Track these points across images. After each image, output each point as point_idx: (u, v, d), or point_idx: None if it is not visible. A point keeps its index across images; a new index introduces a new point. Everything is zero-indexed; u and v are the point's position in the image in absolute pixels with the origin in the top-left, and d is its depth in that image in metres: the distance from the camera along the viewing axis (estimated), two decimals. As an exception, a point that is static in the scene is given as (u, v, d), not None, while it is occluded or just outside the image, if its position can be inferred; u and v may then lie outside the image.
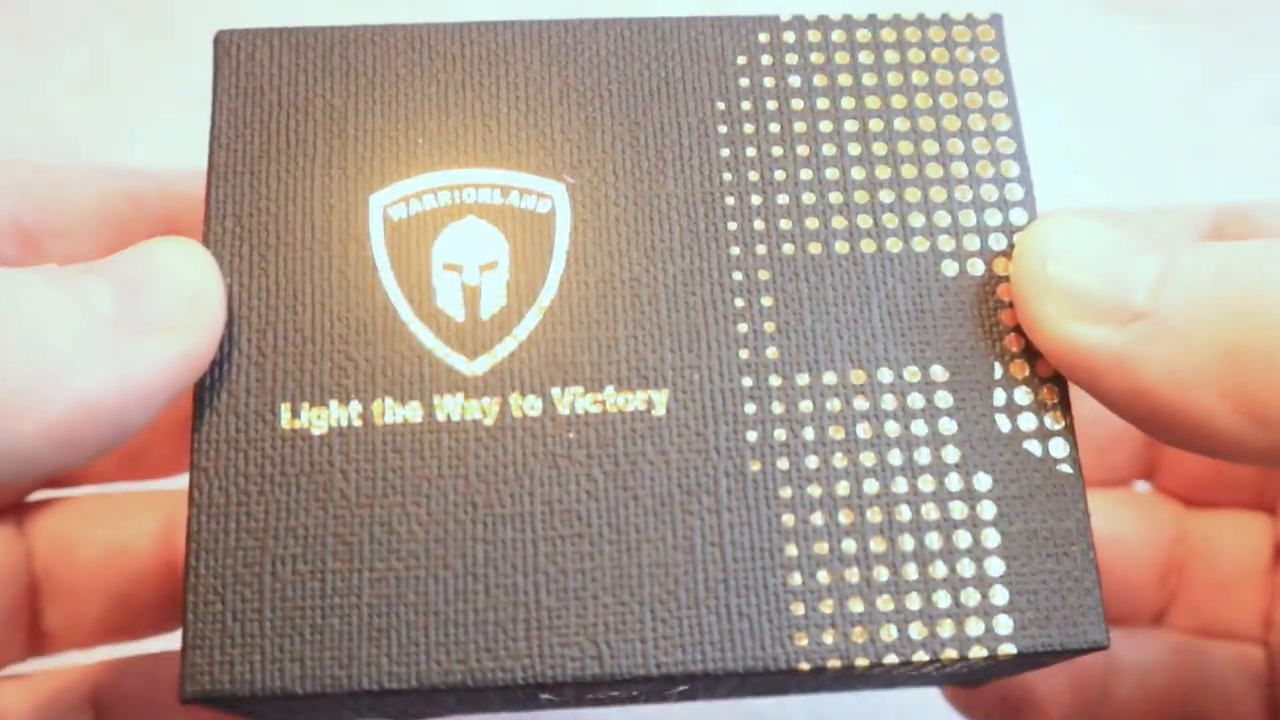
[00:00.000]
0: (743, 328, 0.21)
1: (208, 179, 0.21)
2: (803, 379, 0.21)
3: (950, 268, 0.21)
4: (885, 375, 0.21)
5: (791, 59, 0.23)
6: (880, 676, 0.22)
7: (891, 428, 0.20)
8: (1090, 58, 0.44)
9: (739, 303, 0.21)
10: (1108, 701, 0.27)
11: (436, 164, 0.22)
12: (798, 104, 0.22)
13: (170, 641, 0.26)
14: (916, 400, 0.21)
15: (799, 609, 0.19)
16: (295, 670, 0.19)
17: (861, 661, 0.19)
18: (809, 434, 0.20)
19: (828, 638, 0.19)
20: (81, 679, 0.25)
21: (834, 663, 0.19)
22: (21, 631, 0.25)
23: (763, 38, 0.23)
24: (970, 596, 0.20)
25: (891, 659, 0.19)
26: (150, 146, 0.42)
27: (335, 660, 0.19)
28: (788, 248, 0.21)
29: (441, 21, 0.23)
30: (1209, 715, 0.27)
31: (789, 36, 0.23)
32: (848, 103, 0.22)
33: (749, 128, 0.22)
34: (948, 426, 0.20)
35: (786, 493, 0.20)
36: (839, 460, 0.20)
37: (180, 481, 0.27)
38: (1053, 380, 0.21)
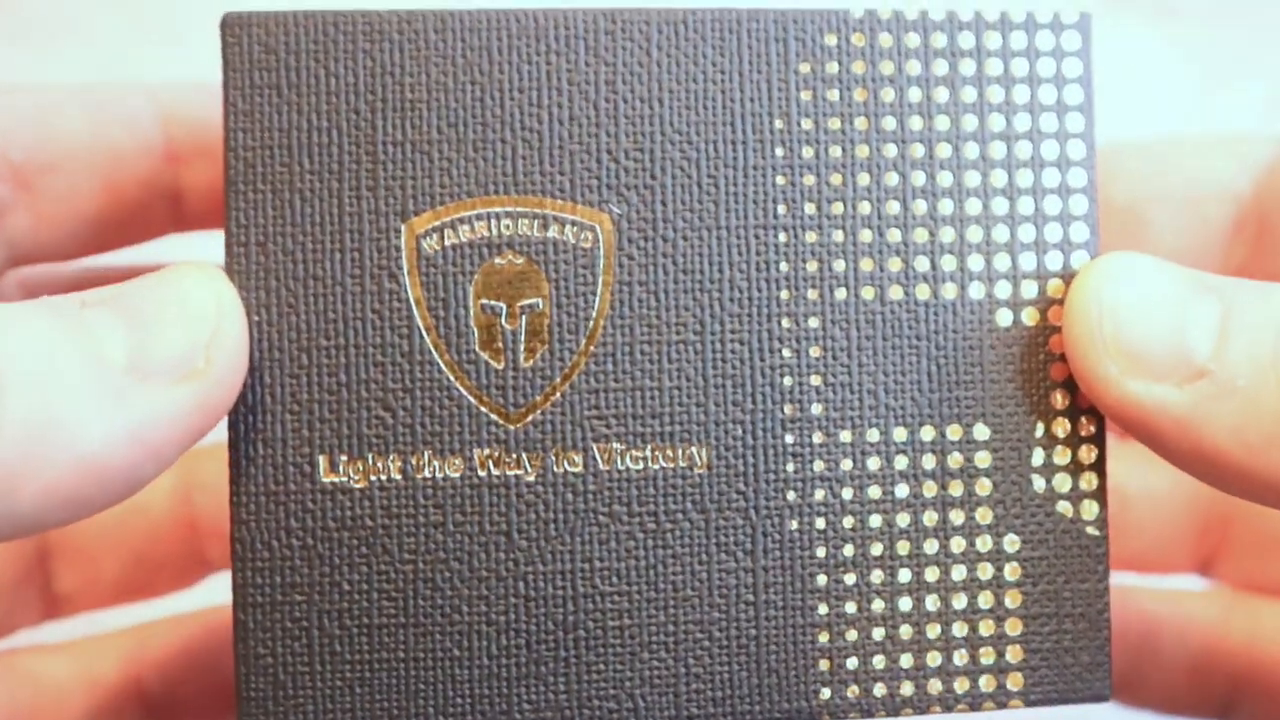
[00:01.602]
0: (788, 381, 0.20)
1: (225, 194, 0.20)
2: (846, 436, 0.20)
3: (1005, 317, 0.21)
4: (928, 434, 0.21)
5: (858, 68, 0.21)
6: None
7: (929, 489, 0.21)
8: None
9: (786, 353, 0.20)
10: (1151, 662, 0.28)
11: (472, 188, 0.20)
12: (861, 124, 0.21)
13: (189, 599, 0.27)
14: (956, 460, 0.21)
15: (825, 665, 0.20)
16: None
17: (880, 715, 0.20)
18: (847, 494, 0.20)
19: (850, 693, 0.20)
20: (126, 645, 0.25)
21: (854, 717, 0.20)
22: (34, 595, 0.25)
23: (829, 40, 0.21)
24: (988, 655, 0.21)
25: (908, 712, 0.21)
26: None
27: (385, 713, 0.20)
28: (840, 293, 0.20)
29: (476, 8, 0.20)
30: (1263, 674, 0.27)
31: (858, 40, 0.21)
32: (915, 124, 0.21)
33: (808, 152, 0.20)
34: (984, 487, 0.21)
35: (821, 553, 0.20)
36: (875, 521, 0.21)
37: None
38: (1091, 440, 0.21)
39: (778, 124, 0.20)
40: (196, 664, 0.25)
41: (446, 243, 0.20)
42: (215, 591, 0.26)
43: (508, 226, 0.20)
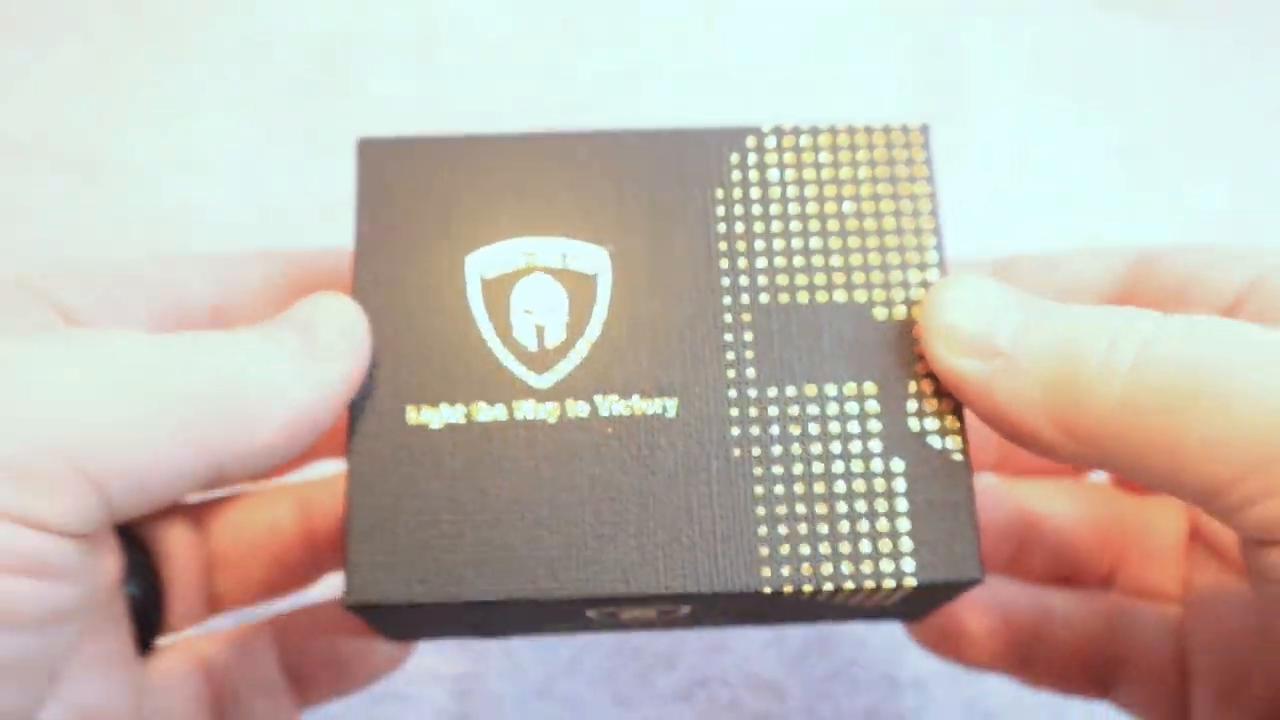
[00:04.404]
0: (730, 355, 0.29)
1: (355, 253, 0.30)
2: (773, 391, 0.29)
3: (881, 313, 0.30)
4: (831, 389, 0.29)
5: (770, 159, 0.31)
6: (832, 606, 0.30)
7: (834, 426, 0.29)
8: (1090, 56, 0.45)
9: (728, 337, 0.30)
10: (1040, 642, 0.35)
11: (514, 233, 0.30)
12: (775, 192, 0.31)
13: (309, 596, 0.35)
14: (853, 407, 0.29)
15: (765, 551, 0.28)
16: (421, 588, 0.28)
17: (807, 588, 0.28)
18: (774, 430, 0.29)
19: (784, 570, 0.28)
20: (264, 626, 0.34)
21: (787, 588, 0.28)
22: (203, 596, 0.33)
23: (749, 141, 0.31)
24: (885, 545, 0.28)
25: (828, 587, 0.28)
26: (148, 142, 0.43)
27: (451, 579, 0.28)
28: (764, 298, 0.30)
29: (518, 133, 0.31)
30: (1129, 658, 0.34)
31: (769, 142, 0.31)
32: (810, 192, 0.31)
33: (739, 209, 0.31)
34: (874, 426, 0.29)
35: (758, 471, 0.29)
36: (795, 449, 0.29)
37: (301, 476, 0.36)
38: (949, 395, 0.29)
39: (718, 192, 0.31)
40: (332, 633, 0.34)
41: (496, 269, 0.30)
42: (329, 588, 0.34)
43: (539, 259, 0.30)
